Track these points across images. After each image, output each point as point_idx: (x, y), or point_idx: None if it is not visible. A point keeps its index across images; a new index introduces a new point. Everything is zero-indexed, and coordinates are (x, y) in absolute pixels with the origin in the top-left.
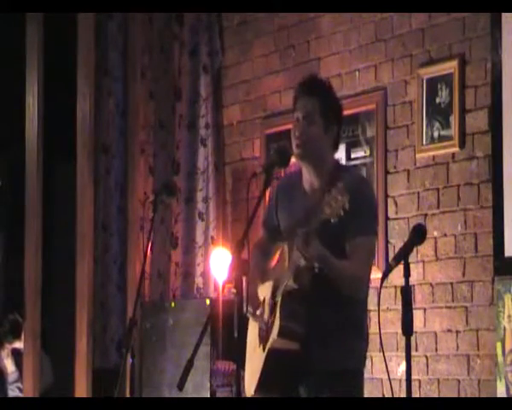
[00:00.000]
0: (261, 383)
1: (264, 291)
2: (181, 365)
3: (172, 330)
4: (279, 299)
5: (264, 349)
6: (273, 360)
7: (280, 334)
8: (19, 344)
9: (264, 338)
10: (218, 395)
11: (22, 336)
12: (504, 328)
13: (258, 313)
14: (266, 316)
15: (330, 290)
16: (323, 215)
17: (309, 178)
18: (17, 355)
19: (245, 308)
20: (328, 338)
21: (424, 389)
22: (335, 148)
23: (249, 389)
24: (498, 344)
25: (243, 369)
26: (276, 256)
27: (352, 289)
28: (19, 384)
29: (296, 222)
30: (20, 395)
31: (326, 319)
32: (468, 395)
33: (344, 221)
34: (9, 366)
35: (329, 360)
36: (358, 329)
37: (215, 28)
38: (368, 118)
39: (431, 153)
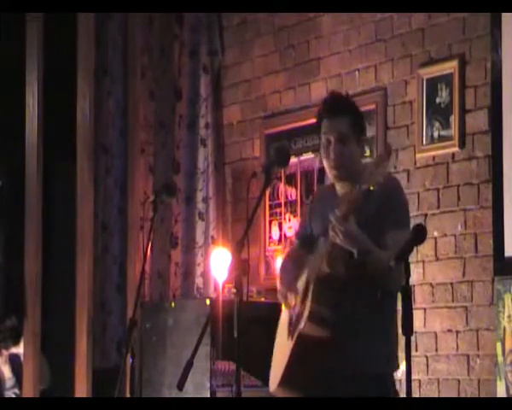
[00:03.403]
0: (288, 372)
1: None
2: (181, 365)
3: (172, 330)
4: (312, 284)
5: (292, 338)
6: (302, 346)
7: (310, 318)
8: (16, 349)
9: (293, 327)
10: (218, 395)
11: (21, 341)
12: (504, 328)
13: (289, 299)
14: (298, 307)
15: (364, 282)
16: (364, 185)
17: (342, 187)
18: (15, 361)
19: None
20: (357, 335)
21: (424, 389)
22: (363, 154)
23: (274, 380)
24: (498, 344)
25: (243, 369)
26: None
27: (389, 281)
28: (15, 390)
29: (328, 217)
30: None
31: (359, 311)
32: (468, 395)
33: (381, 214)
34: (6, 372)
35: (358, 361)
36: (390, 328)
37: (215, 28)
38: (368, 118)
39: (431, 153)
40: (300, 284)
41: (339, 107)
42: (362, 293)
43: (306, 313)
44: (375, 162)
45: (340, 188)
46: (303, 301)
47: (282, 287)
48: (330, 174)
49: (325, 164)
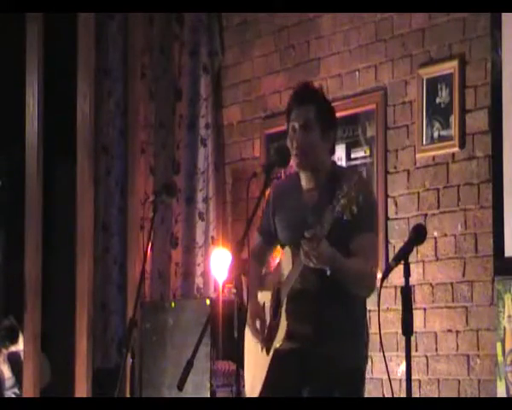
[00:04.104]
0: (267, 387)
1: (265, 297)
2: (181, 365)
3: (172, 330)
4: (284, 301)
5: (267, 352)
6: (279, 363)
7: (287, 336)
8: (15, 347)
9: (267, 342)
10: (218, 395)
11: (19, 340)
12: (504, 328)
13: (257, 325)
14: (268, 319)
15: (337, 290)
16: (336, 213)
17: (307, 183)
18: (14, 359)
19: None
20: (333, 338)
21: (424, 389)
22: (333, 152)
23: (251, 392)
24: (498, 344)
25: (243, 369)
26: (272, 260)
27: (363, 287)
28: (15, 390)
29: (296, 224)
30: None
31: (332, 320)
32: (468, 395)
33: (349, 220)
34: (6, 371)
35: (335, 360)
36: (361, 327)
37: (215, 28)
38: (368, 118)
39: (431, 153)
40: (268, 298)
41: (305, 95)
42: (334, 302)
43: (283, 332)
44: (346, 192)
45: (305, 183)
46: (275, 317)
47: (251, 314)
48: (294, 163)
49: (291, 153)
